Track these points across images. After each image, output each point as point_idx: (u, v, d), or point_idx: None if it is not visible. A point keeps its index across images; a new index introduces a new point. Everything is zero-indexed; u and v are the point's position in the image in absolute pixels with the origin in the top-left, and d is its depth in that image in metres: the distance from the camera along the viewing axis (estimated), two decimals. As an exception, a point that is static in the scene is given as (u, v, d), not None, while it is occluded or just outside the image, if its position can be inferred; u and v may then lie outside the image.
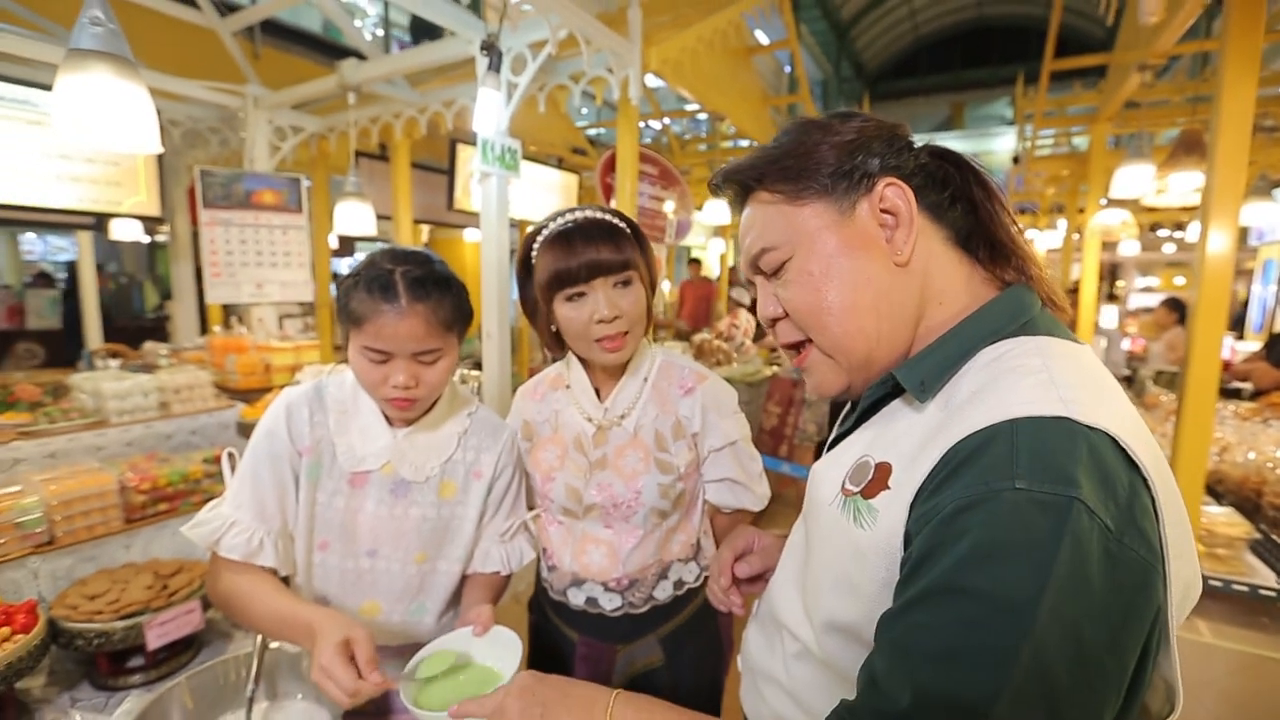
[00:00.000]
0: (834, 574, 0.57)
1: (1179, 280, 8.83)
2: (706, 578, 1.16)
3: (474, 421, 1.10)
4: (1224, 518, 1.85)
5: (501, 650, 0.91)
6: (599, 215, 1.04)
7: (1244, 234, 6.26)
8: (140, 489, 1.62)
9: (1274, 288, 6.84)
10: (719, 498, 1.13)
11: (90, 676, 1.28)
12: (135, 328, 6.53)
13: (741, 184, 0.66)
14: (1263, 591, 1.72)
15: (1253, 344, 4.91)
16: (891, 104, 18.59)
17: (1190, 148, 2.48)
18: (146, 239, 7.85)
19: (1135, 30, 2.77)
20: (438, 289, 0.95)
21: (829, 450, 0.67)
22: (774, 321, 0.66)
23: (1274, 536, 1.95)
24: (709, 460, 1.11)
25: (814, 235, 0.60)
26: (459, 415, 1.09)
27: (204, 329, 4.18)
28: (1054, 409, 0.46)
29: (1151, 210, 5.70)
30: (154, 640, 1.25)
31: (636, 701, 0.65)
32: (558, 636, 1.16)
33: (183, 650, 1.36)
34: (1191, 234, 4.34)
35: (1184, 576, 0.48)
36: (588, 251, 0.98)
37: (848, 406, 0.73)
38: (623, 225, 1.04)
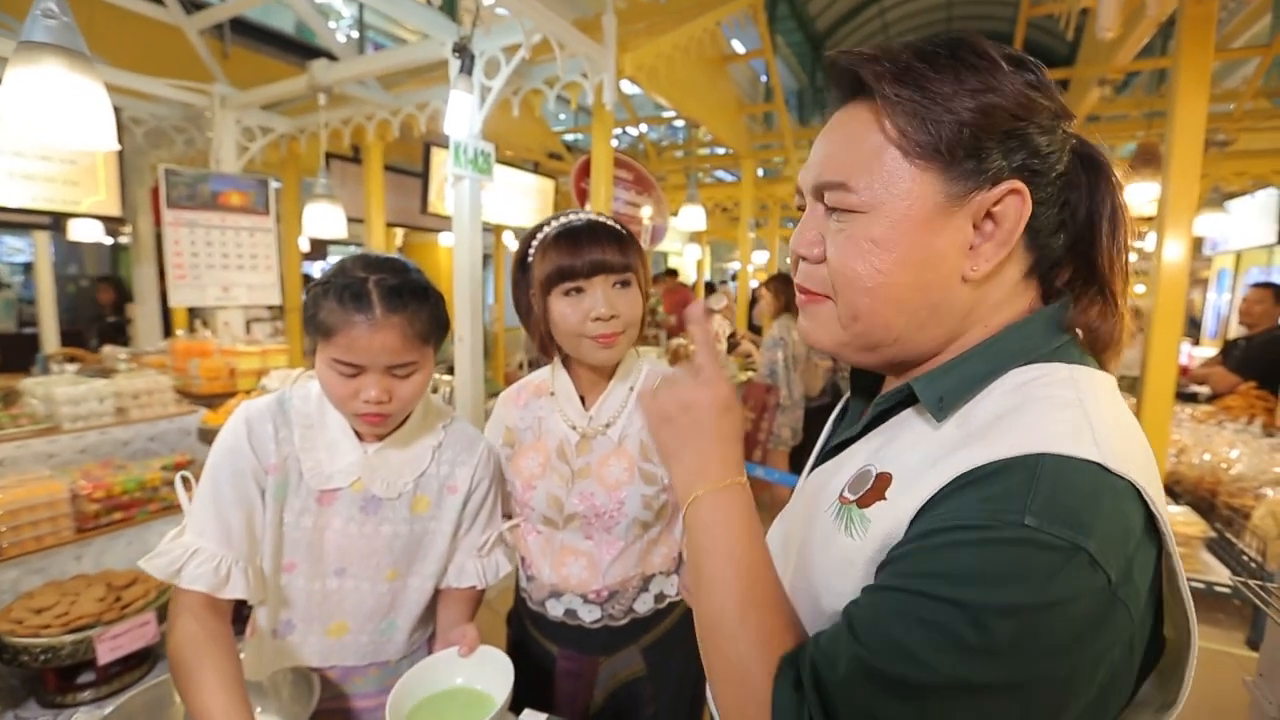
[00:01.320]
0: (823, 579, 0.54)
1: (1139, 289, 9.14)
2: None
3: (449, 434, 1.06)
4: (1181, 517, 1.91)
5: (491, 672, 0.88)
6: (603, 219, 1.05)
7: (1199, 244, 6.50)
8: (93, 497, 1.56)
9: (1228, 295, 7.12)
10: None
11: (37, 694, 1.23)
12: (96, 331, 6.30)
13: (860, 81, 0.52)
14: (1218, 588, 1.78)
15: (1209, 350, 5.10)
16: (865, 114, 18.87)
17: (1147, 160, 2.57)
18: (109, 240, 7.61)
19: (1095, 46, 2.87)
20: (414, 299, 0.90)
21: (829, 456, 0.63)
22: (802, 259, 0.58)
23: (1228, 535, 2.03)
24: None
25: (900, 204, 0.50)
26: (433, 428, 1.05)
27: (168, 333, 4.07)
28: (1086, 451, 0.43)
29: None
30: (105, 654, 1.20)
31: (734, 505, 0.57)
32: (537, 650, 1.14)
33: (136, 665, 1.31)
34: (1151, 244, 4.49)
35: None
36: (593, 250, 0.99)
37: (838, 411, 0.71)
38: (625, 231, 1.06)
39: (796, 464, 3.72)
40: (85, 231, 4.55)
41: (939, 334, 0.54)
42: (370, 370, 0.88)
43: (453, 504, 1.03)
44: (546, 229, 1.04)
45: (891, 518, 0.48)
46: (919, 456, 0.50)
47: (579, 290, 1.00)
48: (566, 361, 1.12)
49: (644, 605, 1.09)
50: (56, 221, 4.15)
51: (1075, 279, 0.55)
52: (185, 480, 0.98)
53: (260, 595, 0.94)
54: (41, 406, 1.92)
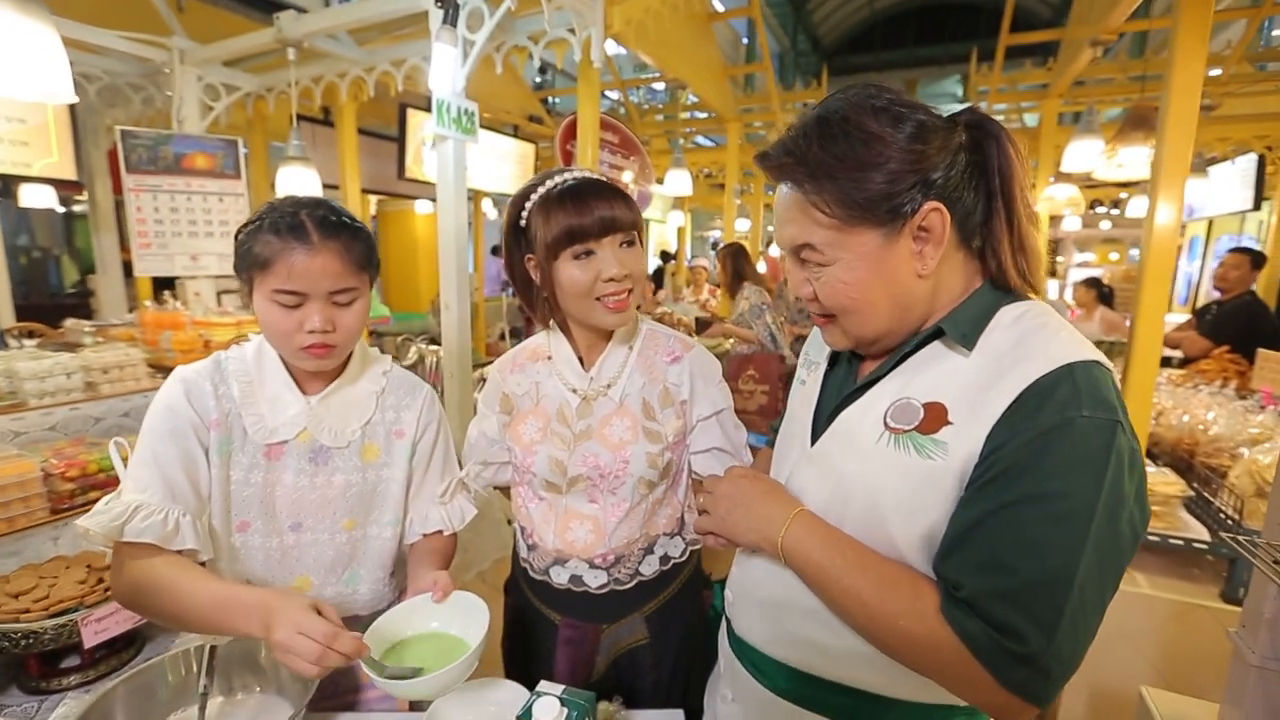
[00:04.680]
0: (896, 499, 0.66)
1: (1114, 256, 9.30)
2: (693, 550, 1.15)
3: (390, 380, 1.06)
4: (1160, 477, 1.96)
5: (465, 616, 0.87)
6: (600, 176, 1.01)
7: (1173, 211, 6.59)
8: (67, 476, 1.50)
9: (1199, 262, 7.29)
10: (706, 468, 1.11)
11: (19, 680, 1.18)
12: (53, 306, 6.02)
13: (791, 179, 0.69)
14: (1196, 545, 1.83)
15: (1180, 315, 5.23)
16: (848, 80, 18.75)
17: (1139, 123, 2.57)
18: (61, 209, 7.23)
19: (1088, 6, 2.83)
20: (347, 230, 0.92)
21: (849, 400, 0.75)
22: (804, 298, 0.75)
23: (1205, 494, 2.09)
24: (696, 429, 1.09)
25: (856, 255, 0.67)
26: (373, 373, 1.05)
27: (133, 305, 3.90)
28: (1090, 355, 0.61)
29: (1091, 186, 5.94)
30: (91, 638, 1.16)
31: (810, 527, 0.71)
32: (538, 619, 1.12)
33: (123, 648, 1.27)
34: (1133, 209, 4.55)
35: None
36: (601, 207, 0.95)
37: (826, 369, 0.85)
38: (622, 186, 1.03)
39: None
40: (36, 198, 4.31)
41: (916, 316, 0.70)
42: (312, 298, 0.89)
43: (402, 449, 1.04)
44: (541, 189, 0.99)
45: (970, 439, 0.62)
46: (962, 384, 0.65)
47: (589, 253, 0.96)
48: (564, 325, 1.09)
49: (649, 568, 1.08)
50: (5, 187, 3.92)
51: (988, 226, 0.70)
52: (119, 446, 0.96)
53: (209, 550, 0.92)
54: (4, 383, 1.82)
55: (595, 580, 1.06)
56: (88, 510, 1.52)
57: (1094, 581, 0.57)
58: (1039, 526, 0.57)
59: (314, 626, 0.72)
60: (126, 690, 0.96)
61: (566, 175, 1.00)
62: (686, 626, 1.14)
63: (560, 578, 1.07)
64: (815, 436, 0.78)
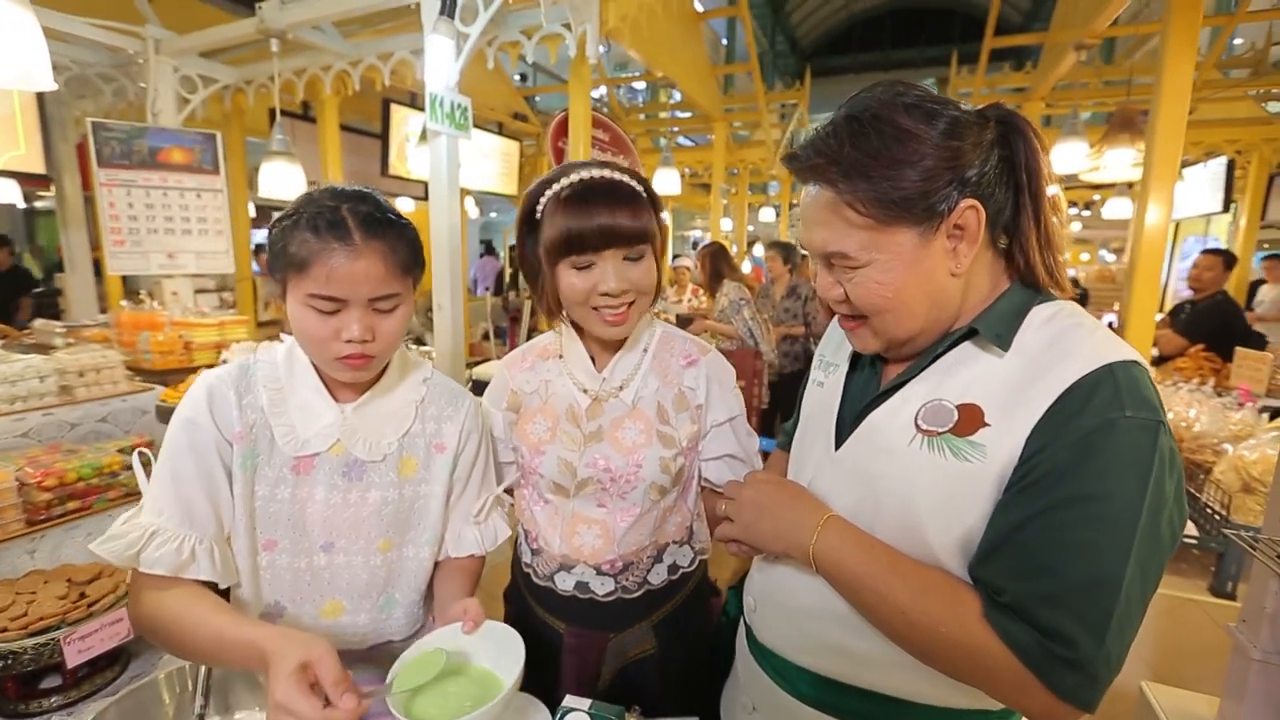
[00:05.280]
0: (931, 503, 0.64)
1: (1085, 256, 9.55)
2: (702, 560, 1.13)
3: (430, 388, 0.99)
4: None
5: (499, 649, 0.82)
6: (617, 176, 0.94)
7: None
8: (44, 485, 1.42)
9: (1166, 263, 7.50)
10: (717, 475, 1.08)
11: (-4, 703, 1.11)
12: (16, 306, 5.79)
13: (824, 179, 0.66)
14: (1185, 540, 1.87)
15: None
16: (825, 81, 18.97)
17: (1124, 125, 2.62)
18: (23, 204, 6.94)
19: (1073, 9, 2.88)
20: (392, 227, 0.84)
21: (877, 402, 0.73)
22: (834, 302, 0.73)
23: (1191, 490, 2.13)
24: (711, 435, 1.07)
25: (892, 255, 0.65)
26: (412, 381, 0.97)
27: (104, 305, 3.75)
28: (1128, 355, 0.60)
29: (1066, 189, 6.08)
30: (74, 657, 1.10)
31: (842, 533, 0.69)
32: (541, 627, 1.09)
33: (107, 666, 1.21)
34: (1110, 210, 4.66)
35: None
36: (603, 215, 0.90)
37: (848, 371, 0.82)
38: (640, 189, 0.96)
39: (768, 428, 3.75)
40: (-1, 193, 4.13)
41: (948, 316, 0.69)
42: (352, 304, 0.81)
43: (442, 463, 0.97)
44: (556, 185, 0.95)
45: (1009, 441, 0.60)
46: (998, 385, 0.64)
47: (589, 265, 0.93)
48: (576, 324, 1.05)
49: (658, 577, 1.06)
50: (-36, 181, 3.74)
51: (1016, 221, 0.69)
52: (143, 457, 0.90)
53: (230, 577, 0.86)
54: (-30, 387, 1.72)
55: (602, 587, 1.03)
56: (67, 521, 1.47)
57: (1138, 584, 0.56)
58: (1084, 529, 0.56)
59: (299, 708, 0.64)
60: (118, 712, 0.92)
61: (581, 173, 0.95)
62: (694, 635, 1.12)
63: (565, 584, 1.04)
64: (839, 440, 0.76)
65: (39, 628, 1.10)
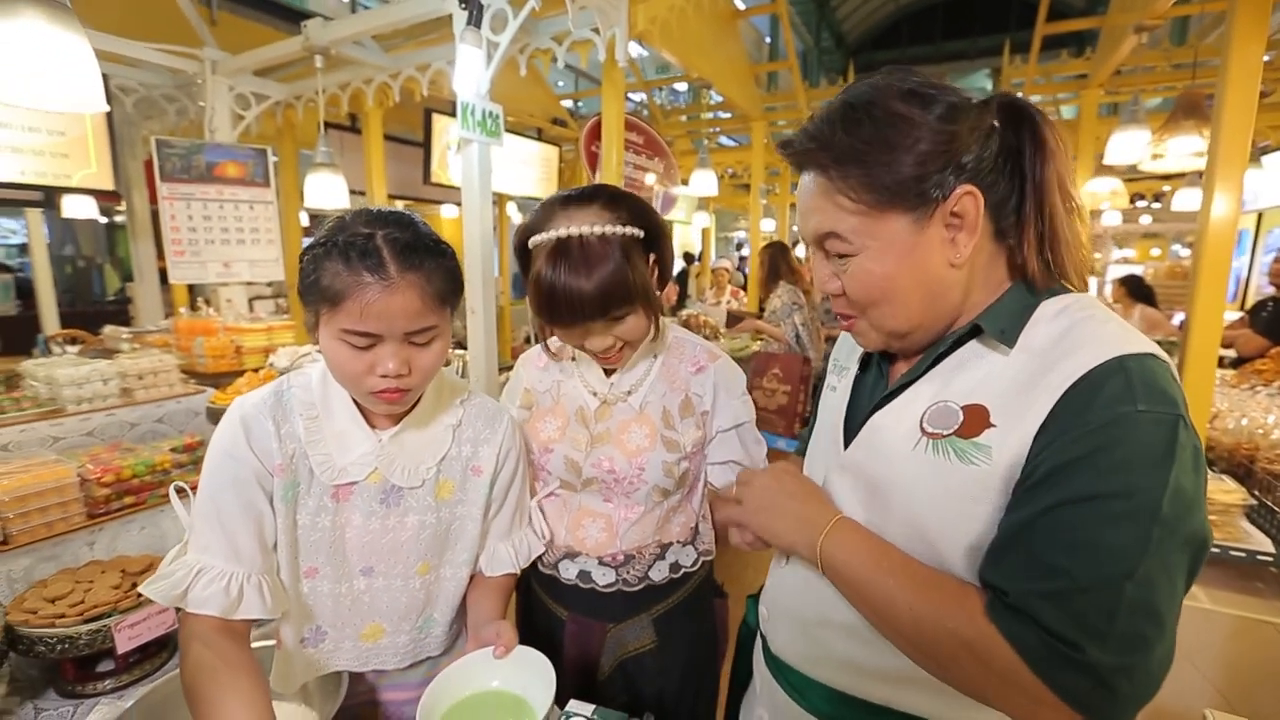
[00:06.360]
0: (937, 509, 0.62)
1: (1155, 251, 8.97)
2: (704, 561, 1.12)
3: (468, 410, 0.97)
4: (1218, 485, 1.85)
5: (529, 675, 0.81)
6: (595, 237, 0.88)
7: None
8: (103, 481, 1.51)
9: (1247, 258, 6.96)
10: (722, 480, 1.09)
11: (55, 684, 1.19)
12: (95, 313, 6.24)
13: (816, 165, 0.65)
14: (1260, 557, 1.72)
15: (1231, 313, 4.99)
16: (873, 76, 18.54)
17: (1189, 111, 2.44)
18: (104, 219, 7.49)
19: (1132, -9, 2.71)
20: (429, 255, 0.79)
21: (882, 404, 0.71)
22: (830, 293, 0.71)
23: (1268, 502, 1.96)
24: (715, 441, 1.08)
25: (885, 242, 0.63)
26: (450, 406, 0.96)
27: (169, 312, 3.99)
28: (1144, 347, 0.57)
29: (1132, 180, 5.72)
30: (124, 643, 1.16)
31: (852, 534, 0.68)
32: (545, 614, 1.12)
33: (156, 652, 1.27)
34: (1180, 202, 4.32)
35: None
36: (569, 313, 0.90)
37: (858, 371, 0.80)
38: (621, 254, 0.89)
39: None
40: (79, 208, 4.45)
41: (948, 310, 0.66)
42: (387, 339, 0.78)
43: (479, 486, 0.96)
44: (541, 236, 0.91)
45: (1015, 441, 0.58)
46: (1004, 385, 0.61)
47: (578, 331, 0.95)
48: None
49: (659, 574, 1.07)
50: (49, 198, 4.05)
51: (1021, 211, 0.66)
52: (181, 491, 0.88)
53: (280, 609, 0.85)
54: (44, 389, 1.86)
55: (603, 578, 1.05)
56: (123, 515, 1.56)
57: (1158, 588, 0.52)
58: (1094, 528, 0.53)
59: None
60: (161, 696, 0.95)
61: (561, 231, 0.89)
62: (696, 634, 1.13)
63: (569, 572, 1.07)
64: (848, 443, 0.73)
65: (94, 614, 1.17)
